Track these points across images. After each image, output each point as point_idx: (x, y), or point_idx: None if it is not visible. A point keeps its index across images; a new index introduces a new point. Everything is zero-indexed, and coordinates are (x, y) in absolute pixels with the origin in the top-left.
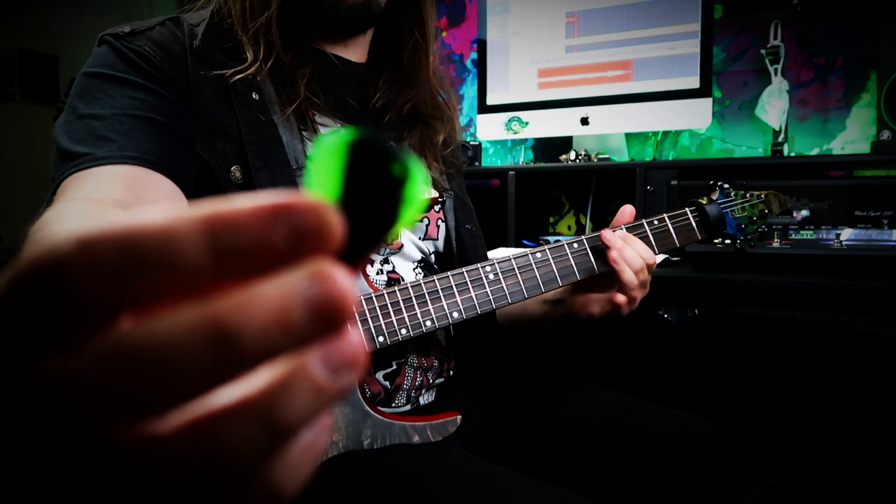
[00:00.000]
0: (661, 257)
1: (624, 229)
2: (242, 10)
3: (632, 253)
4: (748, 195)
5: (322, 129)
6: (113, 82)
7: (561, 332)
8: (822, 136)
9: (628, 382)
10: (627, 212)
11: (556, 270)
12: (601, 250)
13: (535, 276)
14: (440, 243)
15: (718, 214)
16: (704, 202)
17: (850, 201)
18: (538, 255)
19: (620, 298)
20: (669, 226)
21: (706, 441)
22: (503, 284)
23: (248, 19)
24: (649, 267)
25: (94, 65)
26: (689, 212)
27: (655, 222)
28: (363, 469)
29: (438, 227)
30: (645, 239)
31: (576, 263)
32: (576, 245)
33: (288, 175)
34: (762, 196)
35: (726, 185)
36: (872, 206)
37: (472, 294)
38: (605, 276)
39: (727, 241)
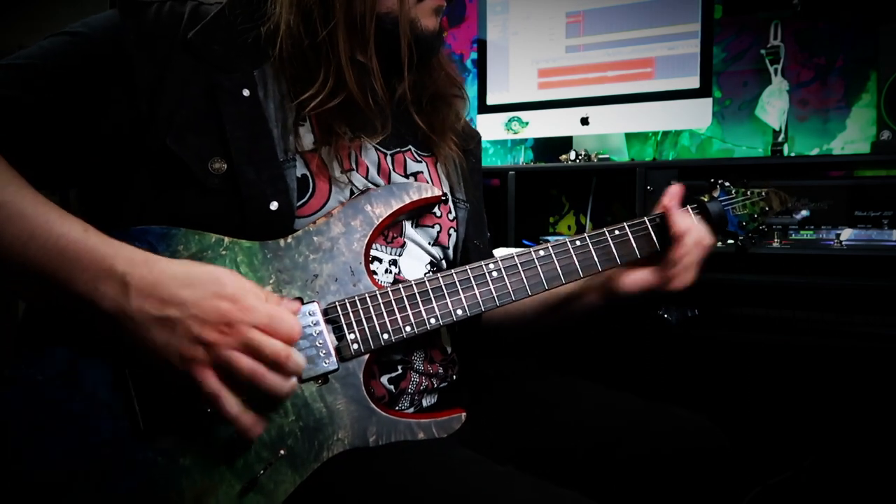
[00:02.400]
0: None
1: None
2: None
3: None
4: (749, 192)
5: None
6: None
7: (591, 322)
8: (822, 136)
9: (629, 382)
10: (673, 191)
11: (559, 268)
12: (604, 245)
13: (539, 274)
14: (450, 252)
15: (720, 211)
16: (706, 199)
17: (850, 201)
18: (541, 252)
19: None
20: None
21: (706, 441)
22: (507, 282)
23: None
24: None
25: (89, 38)
26: (690, 209)
27: (658, 220)
28: (367, 467)
29: (450, 235)
30: (646, 236)
31: (579, 261)
32: (578, 242)
33: (275, 168)
34: (763, 194)
35: (727, 183)
36: (872, 206)
37: (476, 291)
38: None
39: (729, 241)
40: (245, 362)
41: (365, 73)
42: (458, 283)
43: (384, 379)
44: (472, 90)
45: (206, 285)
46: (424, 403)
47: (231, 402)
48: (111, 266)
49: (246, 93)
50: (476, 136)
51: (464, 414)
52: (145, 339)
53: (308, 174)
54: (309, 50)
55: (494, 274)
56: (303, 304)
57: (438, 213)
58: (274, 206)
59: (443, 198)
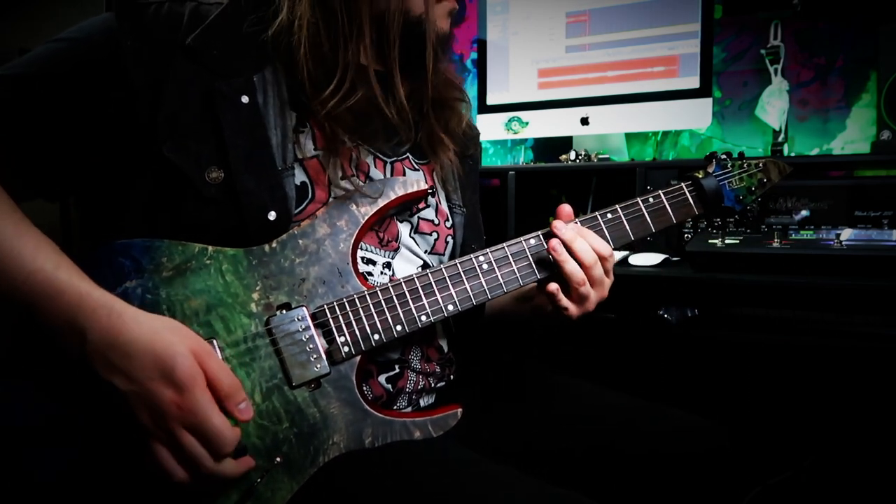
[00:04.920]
0: (656, 257)
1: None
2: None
3: (582, 244)
4: (745, 165)
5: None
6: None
7: (546, 328)
8: (822, 136)
9: (629, 382)
10: (564, 212)
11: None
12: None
13: (531, 264)
14: (445, 258)
15: (715, 187)
16: (700, 175)
17: (850, 201)
18: (532, 241)
19: (552, 286)
20: (665, 202)
21: (706, 441)
22: (497, 274)
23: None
24: (604, 260)
25: (82, 43)
26: (684, 186)
27: (651, 199)
28: (365, 470)
29: (447, 243)
30: (640, 217)
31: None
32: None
33: (274, 176)
34: (760, 165)
35: (723, 156)
36: (872, 206)
37: (467, 285)
38: None
39: (728, 218)
40: (169, 459)
41: (383, 77)
42: (447, 278)
43: (382, 378)
44: (472, 90)
45: (158, 362)
46: (422, 403)
47: (175, 470)
48: (74, 317)
49: (245, 99)
50: (476, 137)
51: (460, 410)
52: (106, 384)
53: (307, 182)
54: (329, 50)
55: (485, 266)
56: (291, 308)
57: (436, 221)
58: (272, 216)
59: (429, 191)
